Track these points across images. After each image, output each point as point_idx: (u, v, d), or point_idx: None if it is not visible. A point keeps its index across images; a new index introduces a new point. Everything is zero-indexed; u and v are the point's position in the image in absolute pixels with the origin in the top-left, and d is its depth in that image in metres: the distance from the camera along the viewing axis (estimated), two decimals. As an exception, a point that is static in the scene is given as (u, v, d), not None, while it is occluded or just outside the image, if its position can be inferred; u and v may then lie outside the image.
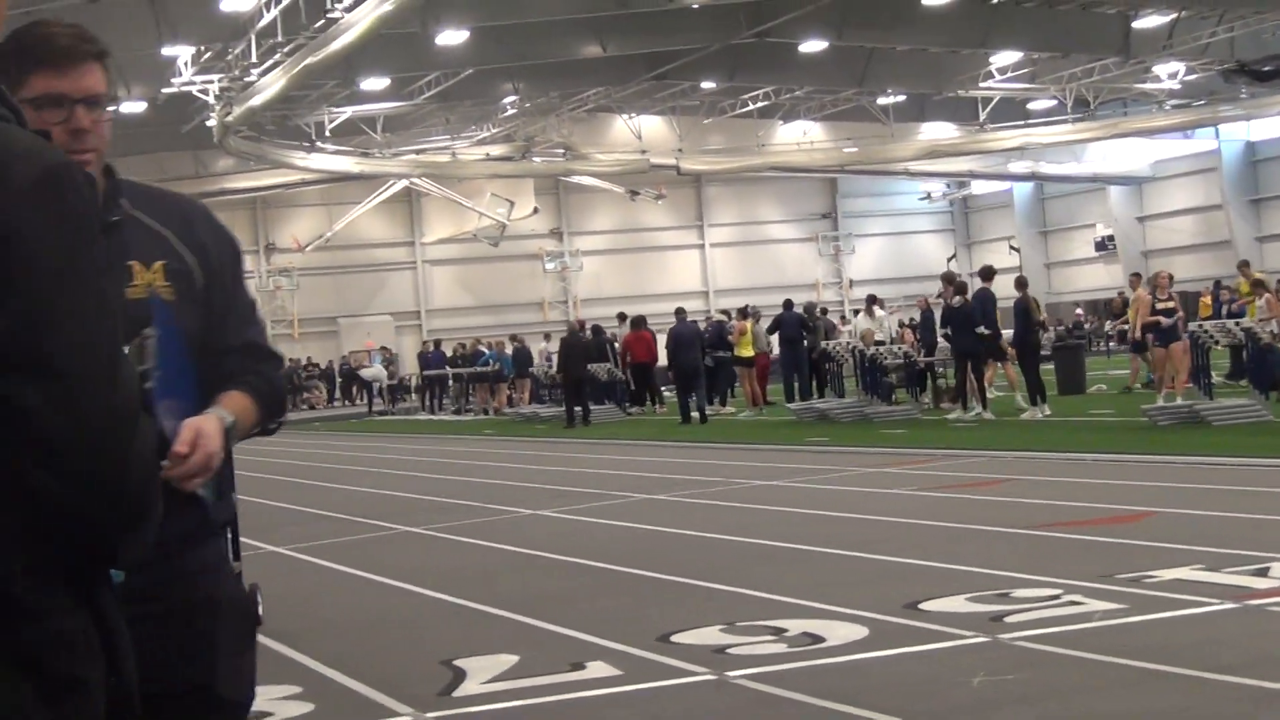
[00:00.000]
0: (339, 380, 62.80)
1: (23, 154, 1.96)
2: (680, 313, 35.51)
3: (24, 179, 1.94)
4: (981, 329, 26.10)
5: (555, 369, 37.63)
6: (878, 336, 30.41)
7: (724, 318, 38.76)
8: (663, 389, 41.20)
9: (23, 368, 1.89)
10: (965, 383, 26.78)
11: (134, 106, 55.11)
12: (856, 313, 32.70)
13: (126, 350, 2.19)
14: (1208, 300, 36.86)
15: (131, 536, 2.00)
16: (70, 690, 1.95)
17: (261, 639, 10.65)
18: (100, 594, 2.04)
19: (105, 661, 2.01)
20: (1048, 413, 25.76)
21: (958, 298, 27.00)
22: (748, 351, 34.58)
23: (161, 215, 3.49)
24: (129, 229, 3.34)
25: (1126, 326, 24.96)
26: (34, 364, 1.89)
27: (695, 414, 32.54)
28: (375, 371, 57.59)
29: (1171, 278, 27.38)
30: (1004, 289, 28.33)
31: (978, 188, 78.80)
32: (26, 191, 1.93)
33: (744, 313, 36.30)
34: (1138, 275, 29.03)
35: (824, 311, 37.51)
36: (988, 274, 27.83)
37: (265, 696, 8.57)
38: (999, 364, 27.93)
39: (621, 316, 41.92)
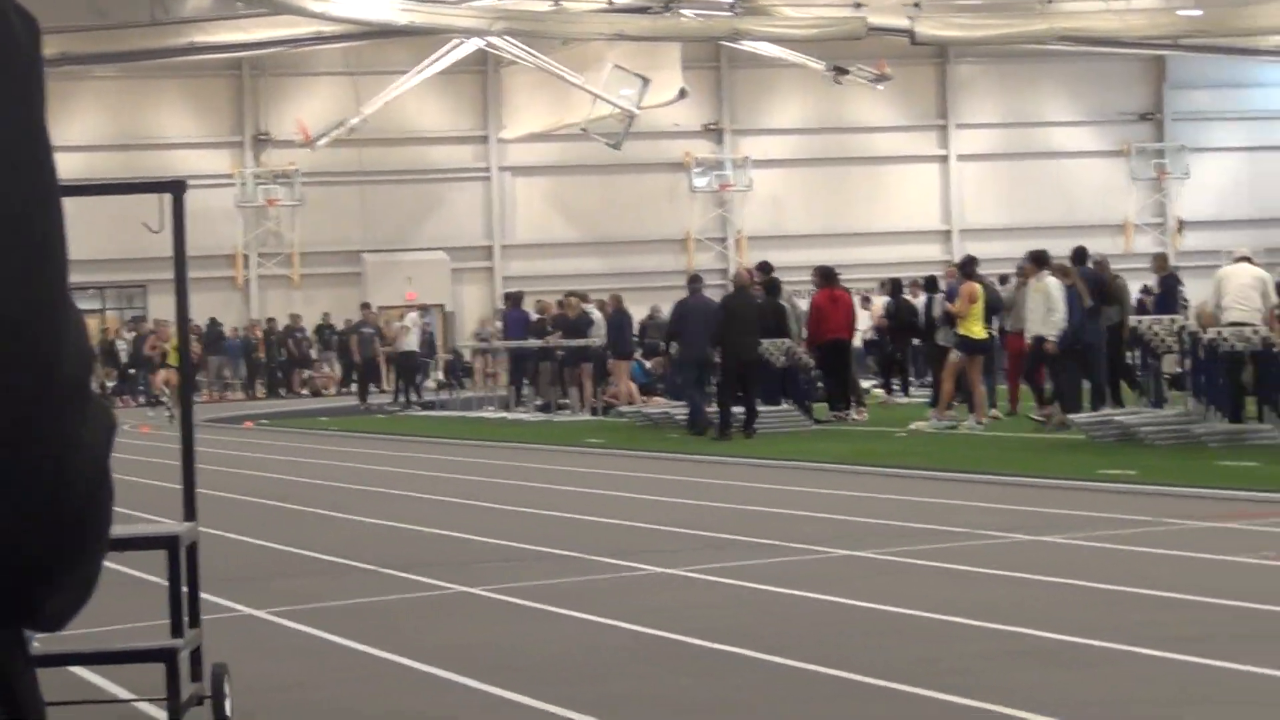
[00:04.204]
0: (359, 359, 62.20)
1: None
2: (697, 282, 38.35)
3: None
4: None
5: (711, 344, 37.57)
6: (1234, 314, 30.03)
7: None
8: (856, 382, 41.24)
9: None
10: None
11: (59, -88, 55.82)
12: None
13: None
14: None
15: (63, 578, 1.99)
16: None
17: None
18: (9, 666, 2.00)
19: None
20: None
21: None
22: (978, 330, 34.24)
23: None
24: None
25: None
26: None
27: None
28: (412, 325, 57.26)
29: None
30: None
31: (1392, 80, 78.01)
32: None
33: (968, 269, 35.81)
34: None
35: (1098, 264, 36.90)
36: None
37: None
38: None
39: (763, 268, 41.17)
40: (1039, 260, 34.20)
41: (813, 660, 12.55)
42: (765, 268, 40.34)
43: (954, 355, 34.44)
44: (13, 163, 1.96)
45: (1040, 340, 32.78)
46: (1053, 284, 33.10)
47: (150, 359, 53.98)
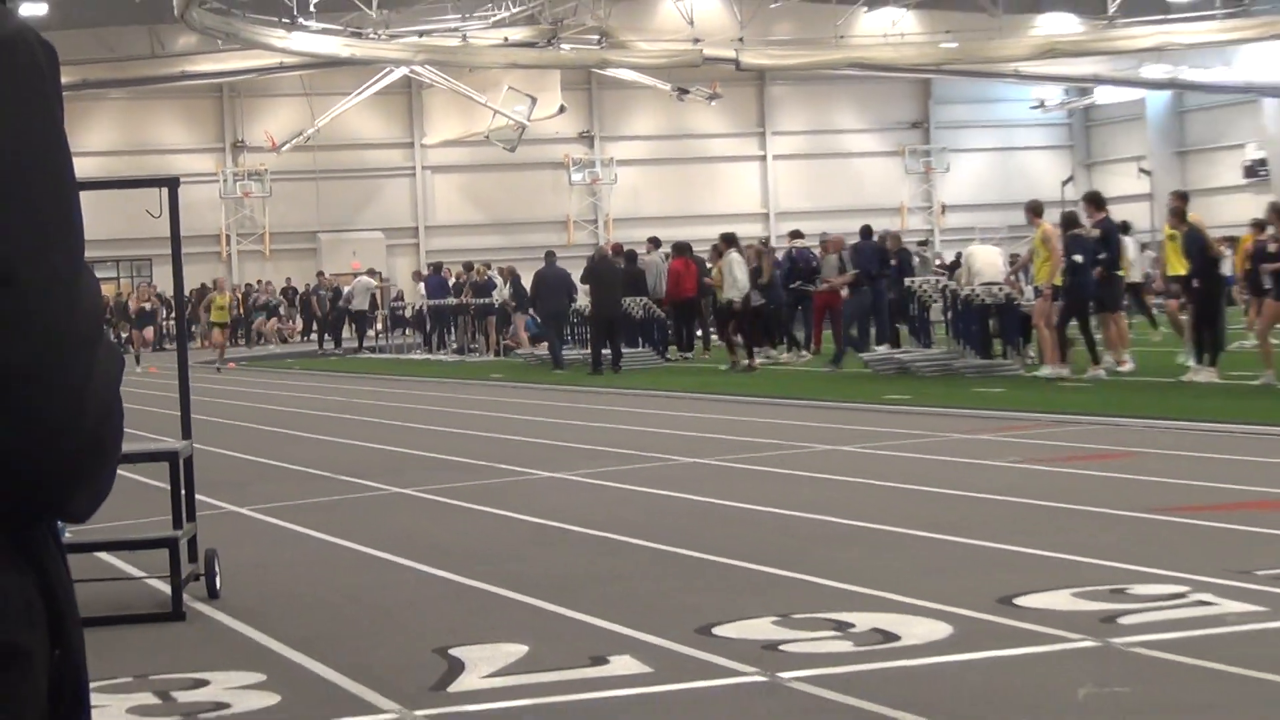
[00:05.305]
0: (318, 313, 61.85)
1: None
2: (551, 256, 39.53)
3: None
4: (1077, 258, 26.30)
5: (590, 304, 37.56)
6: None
7: (803, 244, 38.57)
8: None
9: None
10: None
11: (78, -31, 55.20)
12: None
13: None
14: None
15: (84, 484, 1.99)
16: (8, 663, 1.94)
17: (219, 616, 10.81)
18: (43, 550, 2.02)
19: (48, 630, 2.00)
20: (1214, 378, 25.18)
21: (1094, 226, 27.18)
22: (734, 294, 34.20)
23: None
24: None
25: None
26: None
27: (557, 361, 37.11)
28: (362, 285, 56.61)
29: None
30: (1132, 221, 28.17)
31: (1103, 96, 78.34)
32: None
33: (719, 248, 35.75)
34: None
35: (882, 238, 36.96)
36: (1100, 202, 27.79)
37: (223, 684, 8.68)
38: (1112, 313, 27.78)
39: (654, 241, 41.78)
40: (729, 240, 34.56)
41: (669, 543, 12.58)
42: (655, 241, 40.74)
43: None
44: (40, 162, 1.96)
45: (730, 302, 33.11)
46: (735, 259, 33.44)
47: (141, 311, 52.84)
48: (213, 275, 67.04)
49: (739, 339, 33.95)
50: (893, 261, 34.94)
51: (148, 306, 52.57)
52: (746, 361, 33.23)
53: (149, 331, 49.07)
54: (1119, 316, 28.26)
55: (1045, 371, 27.01)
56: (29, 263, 1.92)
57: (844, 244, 35.15)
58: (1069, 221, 27.49)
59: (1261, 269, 24.36)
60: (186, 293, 14.77)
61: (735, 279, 33.00)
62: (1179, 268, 26.91)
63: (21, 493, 1.95)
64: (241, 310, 66.22)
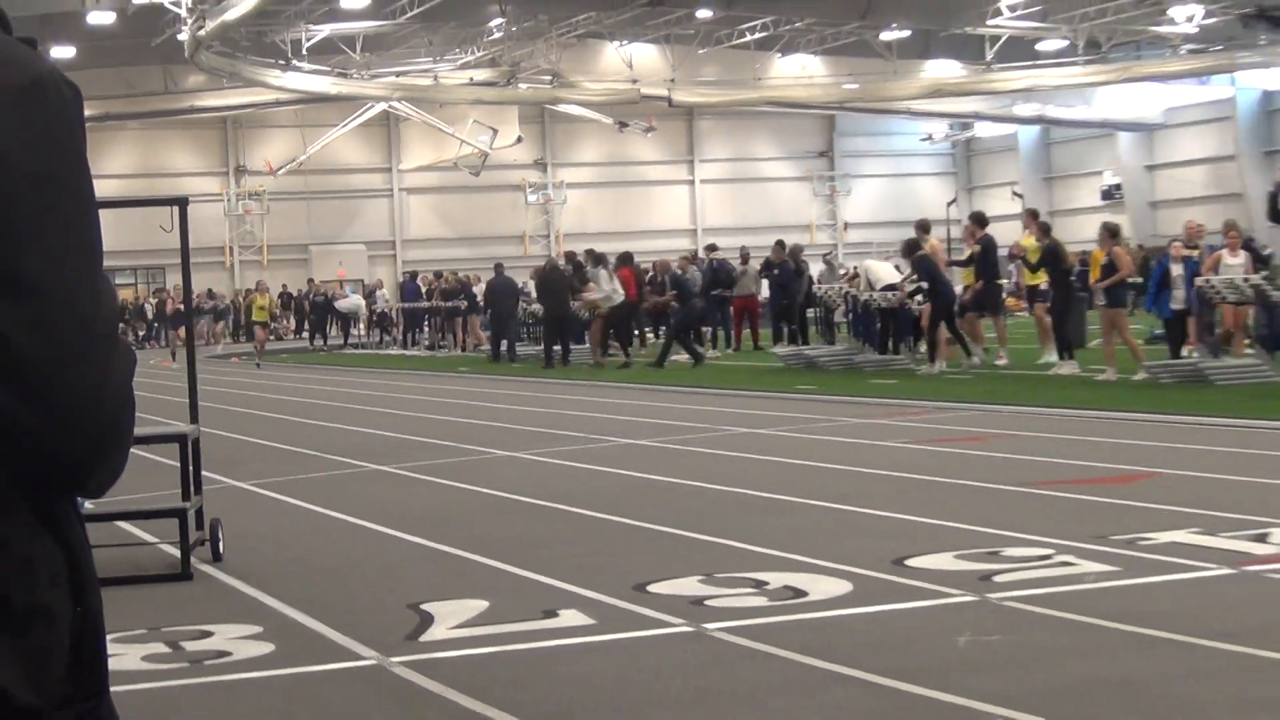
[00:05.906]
0: (309, 314, 61.61)
1: (6, 61, 1.97)
2: (500, 267, 40.66)
3: (7, 88, 1.95)
4: (918, 282, 26.79)
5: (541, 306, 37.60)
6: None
7: (723, 257, 38.83)
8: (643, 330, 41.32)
9: None
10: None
11: (102, 17, 54.94)
12: None
13: None
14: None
15: (102, 465, 2.02)
16: (35, 621, 1.96)
17: (222, 577, 10.74)
18: (65, 521, 2.04)
19: (70, 591, 2.02)
20: (1076, 370, 25.29)
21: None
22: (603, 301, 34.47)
23: None
24: None
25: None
26: (5, 282, 1.90)
27: (506, 352, 38.40)
28: (353, 302, 56.78)
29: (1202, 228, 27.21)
30: (1006, 237, 28.38)
31: (981, 130, 78.70)
32: (9, 101, 1.94)
33: (598, 258, 36.13)
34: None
35: (792, 250, 37.19)
36: (983, 220, 27.98)
37: (225, 636, 8.65)
38: (981, 315, 27.96)
39: (591, 254, 41.72)
40: (596, 259, 35.61)
41: (609, 512, 12.59)
42: (592, 254, 40.95)
43: (597, 323, 35.16)
44: (66, 186, 1.97)
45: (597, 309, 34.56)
46: (601, 274, 34.66)
47: (176, 312, 53.02)
48: (218, 280, 66.99)
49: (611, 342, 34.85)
50: (775, 271, 35.40)
51: (180, 308, 52.66)
52: (625, 359, 33.59)
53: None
54: (999, 319, 28.46)
55: (923, 370, 26.98)
56: (55, 274, 1.94)
57: (669, 268, 36.20)
58: (910, 247, 27.63)
59: (1094, 284, 24.46)
60: (194, 296, 14.69)
61: (603, 290, 33.69)
62: (1039, 277, 27.08)
63: (48, 471, 1.98)
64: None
